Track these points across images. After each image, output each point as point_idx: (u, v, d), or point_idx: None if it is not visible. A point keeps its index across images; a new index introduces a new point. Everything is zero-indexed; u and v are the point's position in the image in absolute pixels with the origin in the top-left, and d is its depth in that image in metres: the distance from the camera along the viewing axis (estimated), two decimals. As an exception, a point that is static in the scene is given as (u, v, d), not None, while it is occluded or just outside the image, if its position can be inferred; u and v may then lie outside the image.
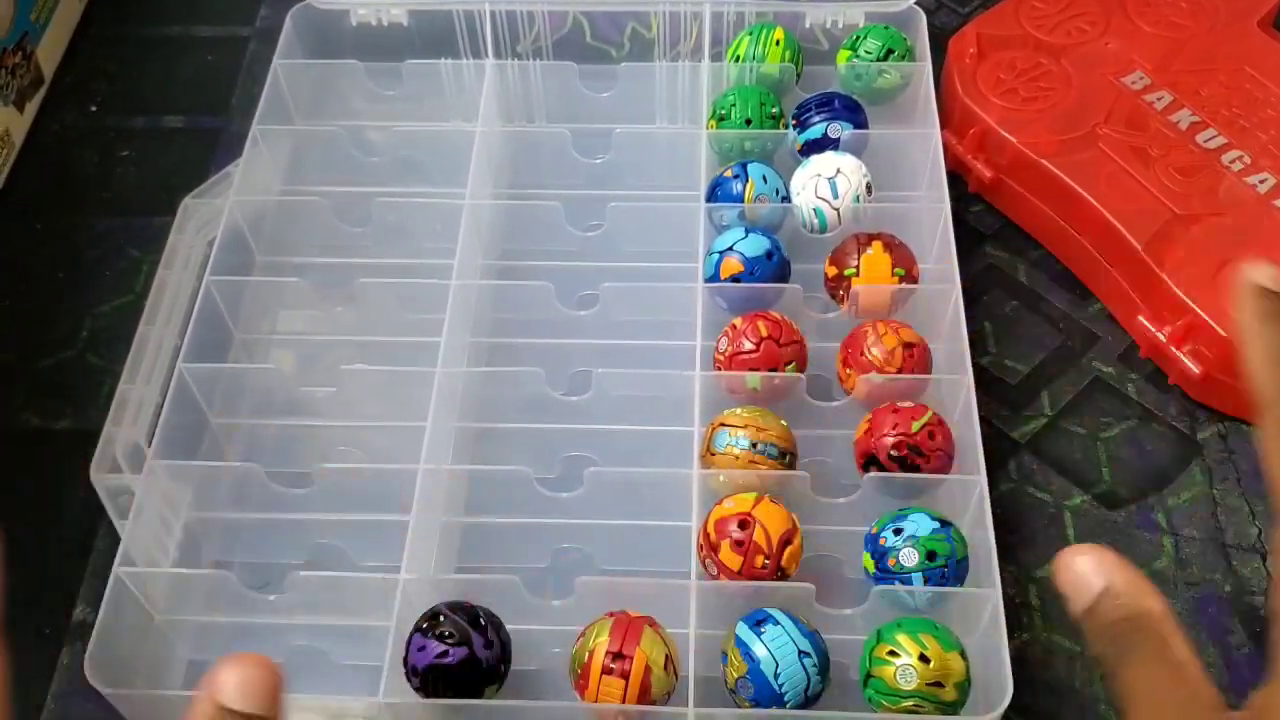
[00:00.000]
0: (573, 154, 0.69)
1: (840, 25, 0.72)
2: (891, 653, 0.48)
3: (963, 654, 0.49)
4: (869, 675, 0.49)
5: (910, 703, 0.48)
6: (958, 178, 0.71)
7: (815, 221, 0.63)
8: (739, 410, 0.56)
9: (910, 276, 0.61)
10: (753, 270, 0.60)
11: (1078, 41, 0.72)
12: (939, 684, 0.48)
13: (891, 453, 0.55)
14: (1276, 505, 0.28)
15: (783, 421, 0.56)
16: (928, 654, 0.48)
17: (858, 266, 0.60)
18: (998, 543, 0.51)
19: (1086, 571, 0.29)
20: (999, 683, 0.48)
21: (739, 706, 0.49)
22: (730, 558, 0.51)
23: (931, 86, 0.67)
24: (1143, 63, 0.70)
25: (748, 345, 0.58)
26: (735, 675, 0.49)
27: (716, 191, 0.64)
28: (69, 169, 0.75)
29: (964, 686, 0.48)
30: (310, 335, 0.66)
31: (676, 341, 0.59)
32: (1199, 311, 0.60)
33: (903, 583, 0.51)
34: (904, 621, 0.49)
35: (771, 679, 0.48)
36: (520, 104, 0.73)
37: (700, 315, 0.59)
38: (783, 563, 0.51)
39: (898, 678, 0.48)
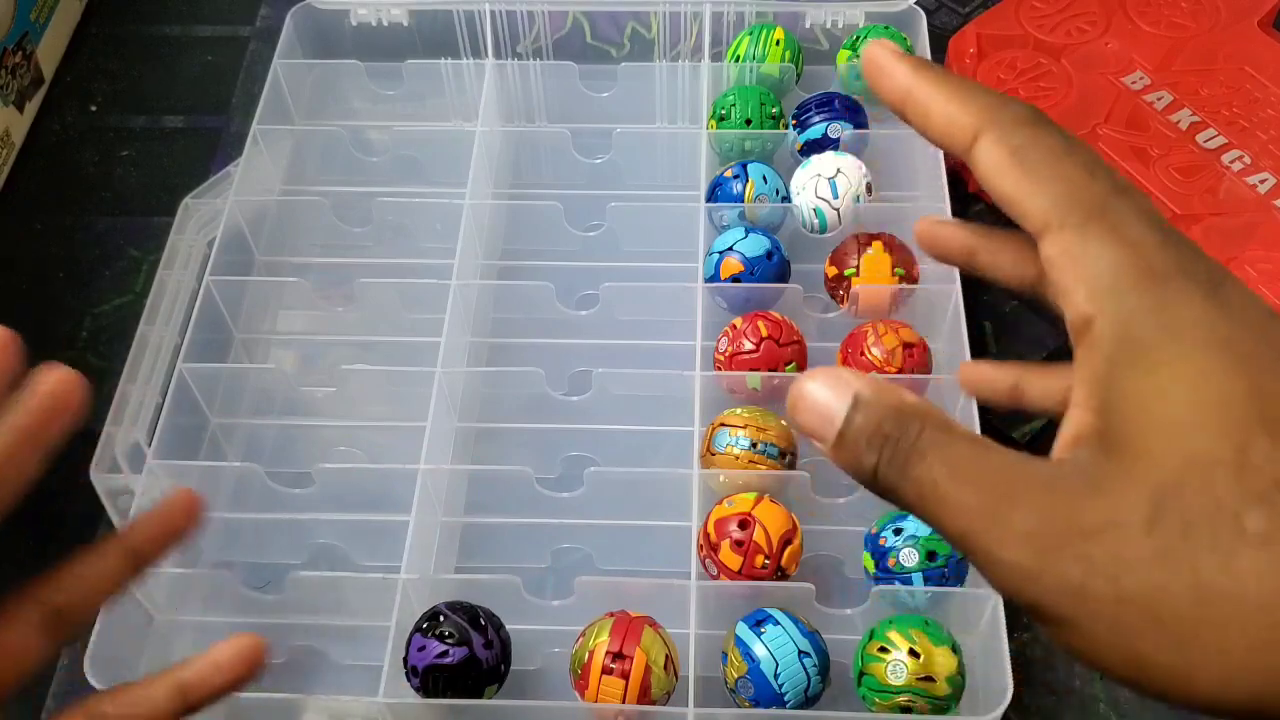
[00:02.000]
0: (573, 154, 0.69)
1: (840, 25, 0.72)
2: (882, 649, 0.48)
3: (954, 648, 0.49)
4: (862, 673, 0.49)
5: (903, 698, 0.48)
6: (958, 178, 0.71)
7: (815, 221, 0.63)
8: (739, 410, 0.56)
9: (910, 276, 0.61)
10: (753, 270, 0.60)
11: (1078, 41, 0.72)
12: (930, 678, 0.48)
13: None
14: (1024, 216, 0.26)
15: (783, 421, 0.56)
16: (917, 649, 0.48)
17: (858, 266, 0.60)
18: (998, 543, 0.51)
19: (825, 396, 0.25)
20: (999, 682, 0.48)
21: (739, 706, 0.49)
22: (730, 558, 0.51)
23: (932, 86, 0.67)
24: (1143, 63, 0.70)
25: (748, 345, 0.58)
26: (735, 675, 0.49)
27: (716, 191, 0.64)
28: (69, 169, 0.75)
29: (956, 681, 0.48)
30: (310, 335, 0.66)
31: (677, 341, 0.59)
32: (1199, 311, 0.60)
33: (903, 583, 0.51)
34: (897, 619, 0.50)
35: (771, 679, 0.48)
36: (520, 104, 0.73)
37: (700, 315, 0.59)
38: (783, 563, 0.51)
39: (888, 673, 0.48)
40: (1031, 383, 0.33)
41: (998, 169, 0.27)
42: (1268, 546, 0.21)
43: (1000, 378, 0.34)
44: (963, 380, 0.35)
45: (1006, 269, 0.33)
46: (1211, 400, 0.22)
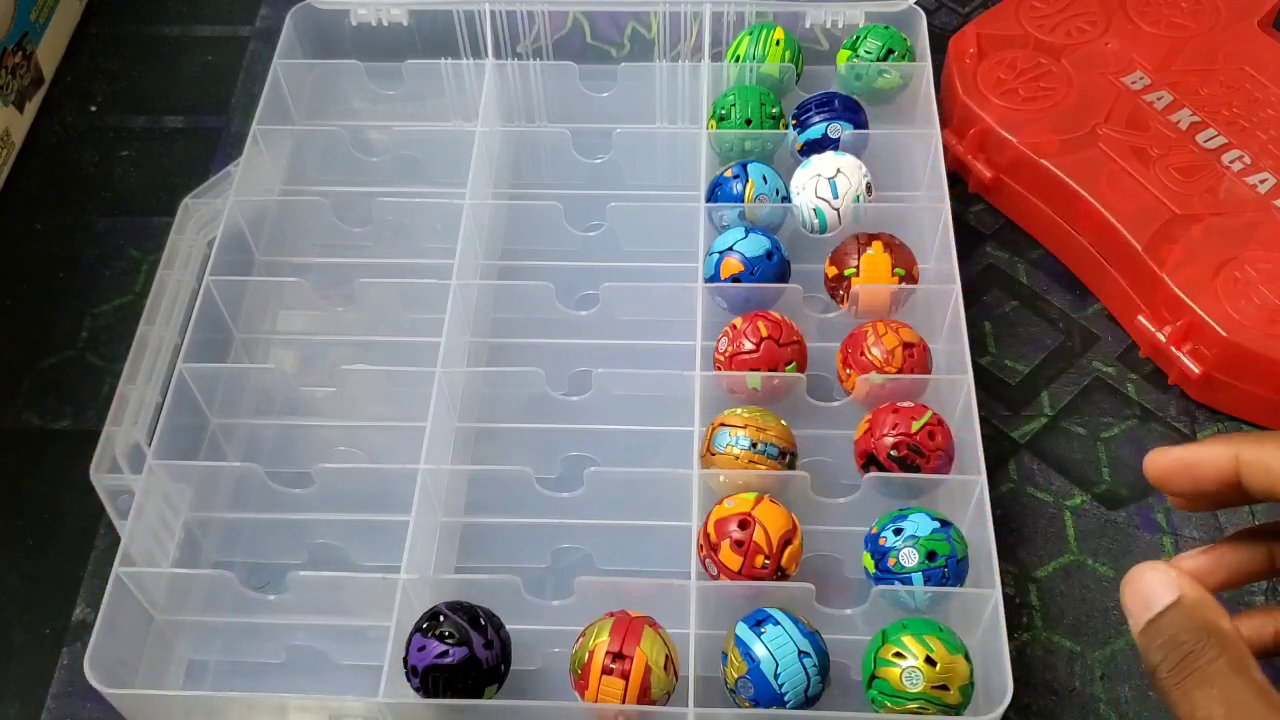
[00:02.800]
0: (573, 154, 0.69)
1: (840, 25, 0.72)
2: (898, 654, 0.48)
3: (967, 657, 0.49)
4: (873, 676, 0.49)
5: (915, 705, 0.48)
6: (958, 178, 0.71)
7: (815, 221, 0.63)
8: (739, 410, 0.56)
9: (910, 277, 0.61)
10: (753, 270, 0.60)
11: (1078, 41, 0.72)
12: (944, 687, 0.48)
13: (891, 453, 0.55)
14: None
15: (783, 421, 0.56)
16: (934, 657, 0.48)
17: (858, 266, 0.60)
18: (998, 543, 0.51)
19: (1155, 584, 0.27)
20: (999, 683, 0.48)
21: (739, 707, 0.49)
22: (730, 558, 0.51)
23: (931, 86, 0.67)
24: (1143, 63, 0.70)
25: (748, 345, 0.58)
26: (735, 675, 0.49)
27: (716, 191, 0.64)
28: (69, 169, 0.75)
29: (967, 690, 0.48)
30: (310, 335, 0.66)
31: (676, 341, 0.59)
32: (1199, 311, 0.60)
33: (903, 583, 0.51)
34: (909, 623, 0.49)
35: (771, 679, 0.48)
36: (520, 104, 0.73)
37: (700, 315, 0.59)
38: (783, 563, 0.51)
39: (904, 680, 0.48)
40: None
41: (1259, 472, 0.29)
42: None
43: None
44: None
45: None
46: None
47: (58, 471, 0.62)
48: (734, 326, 0.59)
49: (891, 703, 0.48)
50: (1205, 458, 0.32)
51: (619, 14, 0.75)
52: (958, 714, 0.48)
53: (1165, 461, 0.34)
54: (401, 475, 0.55)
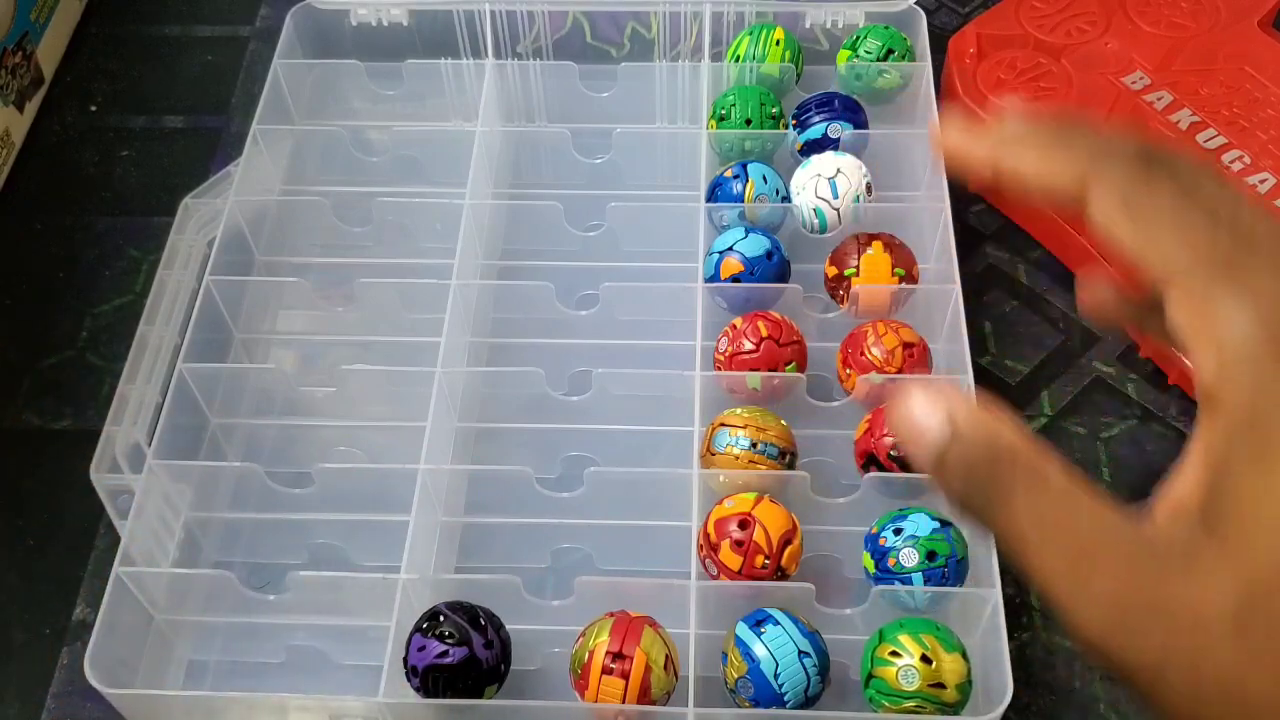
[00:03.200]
0: (573, 154, 0.69)
1: (840, 25, 0.72)
2: (894, 653, 0.48)
3: (964, 655, 0.49)
4: (870, 675, 0.49)
5: (912, 703, 0.48)
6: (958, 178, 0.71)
7: (815, 221, 0.63)
8: (739, 410, 0.56)
9: (910, 276, 0.61)
10: (753, 270, 0.60)
11: (1078, 41, 0.72)
12: (941, 685, 0.48)
13: (891, 453, 0.55)
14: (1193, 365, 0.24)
15: (783, 421, 0.56)
16: (930, 655, 0.48)
17: (858, 266, 0.60)
18: (998, 542, 0.51)
19: (924, 411, 0.25)
20: (999, 683, 0.48)
21: (739, 707, 0.49)
22: (730, 558, 0.51)
23: (931, 86, 0.67)
24: (1143, 63, 0.70)
25: (748, 345, 0.58)
26: (735, 675, 0.49)
27: (716, 191, 0.64)
28: (69, 169, 0.75)
29: (965, 688, 0.48)
30: (310, 335, 0.66)
31: (676, 341, 0.59)
32: (1199, 311, 0.60)
33: (903, 583, 0.51)
34: (906, 622, 0.49)
35: (771, 679, 0.48)
36: (520, 104, 0.73)
37: (700, 315, 0.59)
38: (783, 563, 0.51)
39: (900, 678, 0.48)
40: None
41: (1110, 222, 0.25)
42: None
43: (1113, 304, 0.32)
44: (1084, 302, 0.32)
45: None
46: None
47: (58, 471, 0.62)
48: (734, 326, 0.59)
49: (889, 701, 0.48)
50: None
51: (619, 14, 0.75)
52: (956, 712, 0.48)
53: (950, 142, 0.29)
54: (401, 475, 0.55)
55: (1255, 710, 0.21)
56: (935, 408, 0.25)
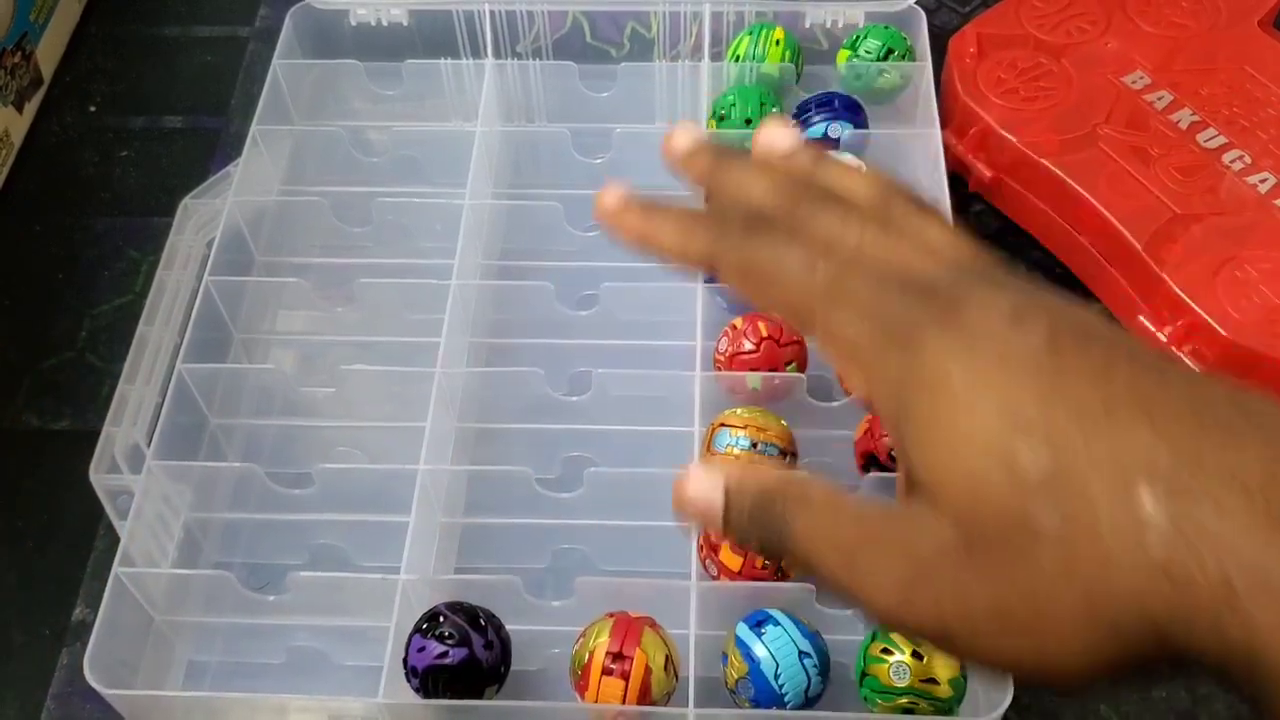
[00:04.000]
0: (573, 154, 0.69)
1: (840, 25, 0.72)
2: (885, 650, 0.48)
3: (960, 653, 0.49)
4: (864, 673, 0.49)
5: (905, 700, 0.48)
6: (958, 178, 0.71)
7: (815, 221, 0.63)
8: (739, 410, 0.56)
9: (910, 276, 0.61)
10: (753, 270, 0.60)
11: (1078, 41, 0.71)
12: (933, 680, 0.48)
13: (892, 453, 0.55)
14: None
15: (783, 422, 0.56)
16: (921, 650, 0.48)
17: (858, 266, 0.60)
18: (998, 543, 0.51)
19: (700, 488, 0.28)
20: (999, 682, 0.48)
21: (739, 707, 0.49)
22: (730, 558, 0.51)
23: (932, 86, 0.67)
24: (1143, 62, 0.70)
25: (748, 345, 0.58)
26: (735, 676, 0.49)
27: (716, 191, 0.64)
28: (68, 169, 0.75)
29: (958, 683, 0.48)
30: (310, 335, 0.66)
31: (677, 341, 0.59)
32: (1199, 311, 0.60)
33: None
34: (902, 621, 0.49)
35: (772, 680, 0.48)
36: (520, 104, 0.73)
37: (700, 315, 0.59)
38: (783, 563, 0.51)
39: (891, 674, 0.48)
40: None
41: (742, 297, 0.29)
42: (1061, 543, 0.23)
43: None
44: None
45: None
46: (972, 429, 0.24)
47: (57, 472, 0.62)
48: (734, 326, 0.59)
49: (881, 699, 0.48)
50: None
51: (619, 14, 0.75)
52: (950, 708, 0.48)
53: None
54: (401, 475, 0.55)
55: (1014, 613, 0.23)
56: (706, 479, 0.27)
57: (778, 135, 0.32)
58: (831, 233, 0.28)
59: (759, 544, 0.27)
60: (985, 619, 0.24)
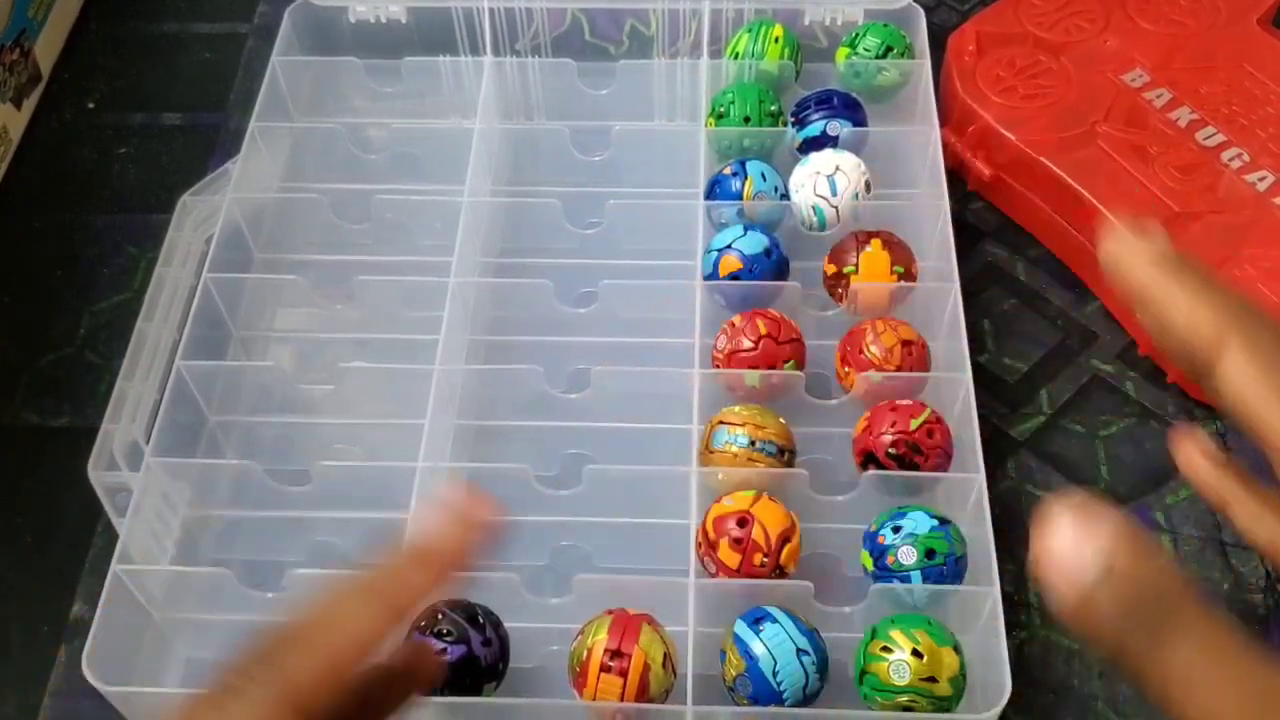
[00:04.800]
0: (571, 151, 0.69)
1: (839, 22, 0.72)
2: (885, 648, 0.48)
3: (957, 648, 0.49)
4: (864, 671, 0.49)
5: (905, 698, 0.48)
6: (957, 175, 0.71)
7: (814, 219, 0.63)
8: (737, 408, 0.56)
9: (909, 274, 0.61)
10: (751, 268, 0.60)
11: (1077, 39, 0.71)
12: (932, 679, 0.48)
13: (890, 451, 0.55)
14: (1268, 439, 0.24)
15: (781, 419, 0.56)
16: (921, 649, 0.48)
17: (856, 264, 0.60)
18: (996, 540, 0.51)
19: (1072, 548, 0.23)
20: (997, 681, 0.48)
21: (737, 704, 0.49)
22: (729, 555, 0.51)
23: (931, 84, 0.67)
24: (1142, 60, 0.70)
25: (746, 343, 0.58)
26: (734, 673, 0.49)
27: (715, 189, 0.64)
28: (67, 166, 0.75)
29: (958, 681, 0.48)
30: (309, 333, 0.66)
31: (675, 339, 0.59)
32: (1198, 309, 0.60)
33: (901, 581, 0.51)
34: (898, 618, 0.50)
35: (770, 677, 0.48)
36: (519, 101, 0.73)
37: (699, 313, 0.59)
38: (781, 561, 0.51)
39: (891, 673, 0.48)
40: (1242, 505, 0.29)
41: (1246, 385, 0.24)
42: None
43: (1214, 482, 0.30)
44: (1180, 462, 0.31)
45: (1264, 534, 0.29)
46: None
47: (56, 469, 0.62)
48: (732, 324, 0.59)
49: (881, 697, 0.48)
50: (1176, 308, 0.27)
51: (618, 11, 0.75)
52: (950, 705, 0.48)
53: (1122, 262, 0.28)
54: (400, 473, 0.55)
55: None
56: (1087, 541, 0.23)
57: None
58: None
59: (1120, 643, 0.23)
60: None
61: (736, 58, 0.70)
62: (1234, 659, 0.23)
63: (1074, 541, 0.23)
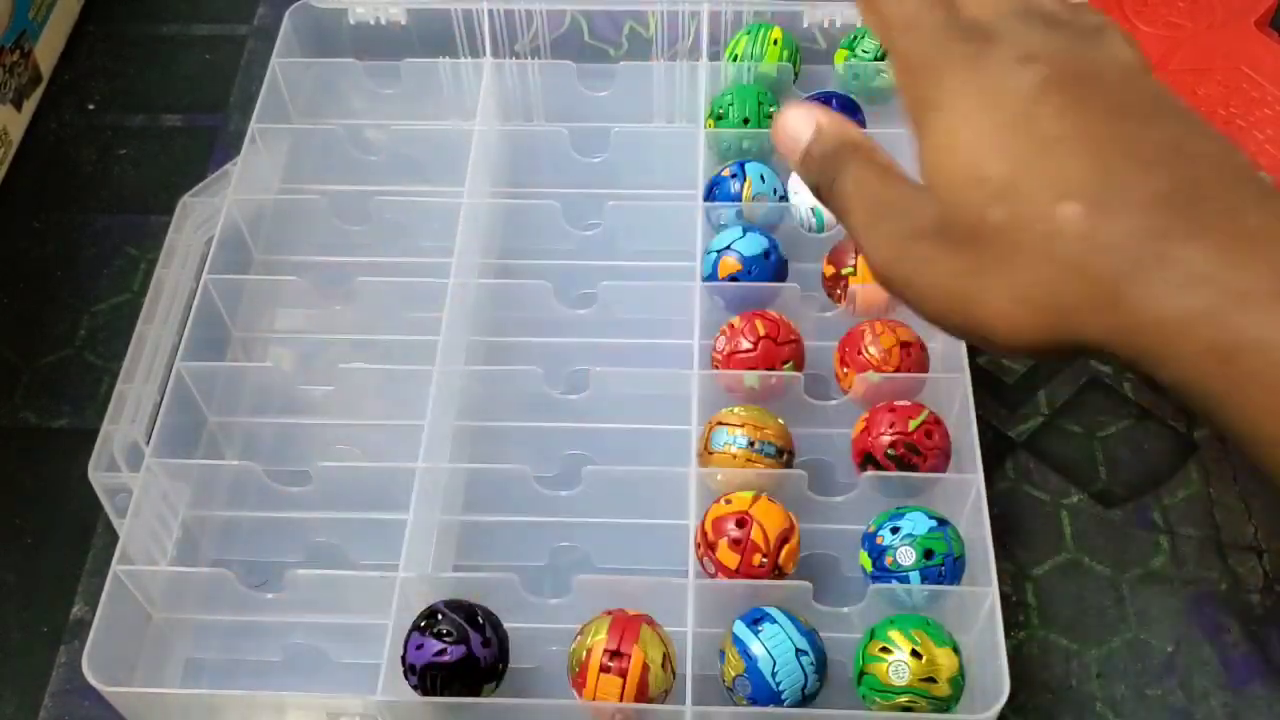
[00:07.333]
0: (571, 153, 0.69)
1: (838, 24, 0.72)
2: (884, 649, 0.49)
3: (955, 649, 0.49)
4: (862, 672, 0.49)
5: (904, 698, 0.48)
6: (955, 177, 0.71)
7: (813, 220, 0.63)
8: (736, 409, 0.56)
9: (908, 275, 0.61)
10: (750, 269, 0.60)
11: (1075, 41, 0.72)
12: (931, 679, 0.48)
13: (889, 451, 0.55)
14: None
15: (780, 420, 0.56)
16: (920, 650, 0.48)
17: (855, 265, 0.60)
18: (995, 541, 0.51)
19: (797, 122, 0.32)
20: (996, 681, 0.48)
21: (736, 705, 0.49)
22: (728, 556, 0.51)
23: (929, 86, 0.67)
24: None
25: (745, 344, 0.58)
26: (733, 674, 0.49)
27: (714, 190, 0.64)
28: (67, 167, 0.75)
29: (957, 681, 0.48)
30: (308, 334, 0.66)
31: (674, 340, 0.60)
32: (1196, 311, 0.60)
33: (900, 581, 0.51)
34: (897, 618, 0.50)
35: (769, 677, 0.48)
36: (518, 103, 0.73)
37: (698, 314, 0.59)
38: (780, 561, 0.51)
39: (890, 674, 0.48)
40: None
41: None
42: (1004, 236, 0.28)
43: None
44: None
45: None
46: (959, 145, 0.29)
47: (56, 470, 0.62)
48: (731, 325, 0.59)
49: (880, 697, 0.48)
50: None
51: (617, 13, 0.75)
52: (949, 706, 0.48)
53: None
54: (400, 474, 0.55)
55: (951, 282, 0.29)
56: (805, 117, 0.32)
57: None
58: None
59: (816, 181, 0.32)
60: (944, 284, 0.29)
61: (735, 60, 0.70)
62: (871, 185, 0.31)
63: (796, 119, 0.32)
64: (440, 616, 0.49)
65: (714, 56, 0.70)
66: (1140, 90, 0.32)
